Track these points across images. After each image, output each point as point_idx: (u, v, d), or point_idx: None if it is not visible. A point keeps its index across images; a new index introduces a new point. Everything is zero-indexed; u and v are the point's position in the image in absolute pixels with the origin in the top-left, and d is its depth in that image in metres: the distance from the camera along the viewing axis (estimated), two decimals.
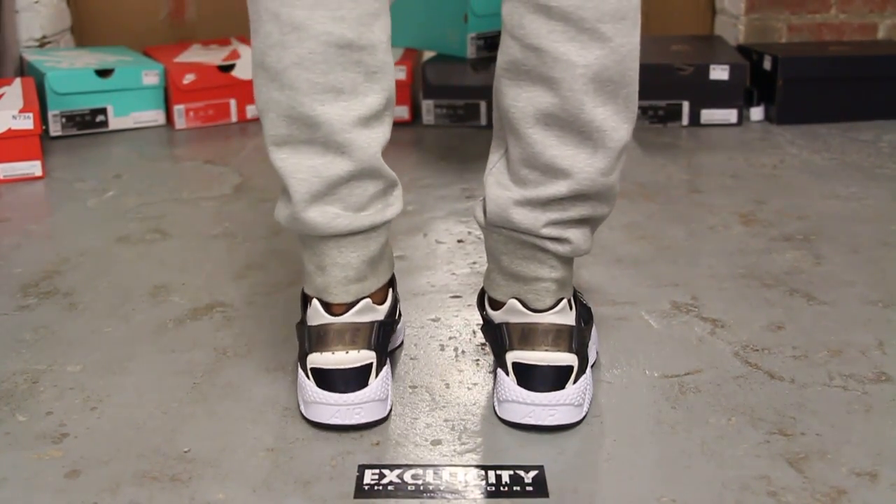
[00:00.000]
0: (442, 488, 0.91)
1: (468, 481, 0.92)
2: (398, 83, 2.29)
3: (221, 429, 1.01)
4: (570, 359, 1.00)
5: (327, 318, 1.01)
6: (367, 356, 1.00)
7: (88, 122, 2.22)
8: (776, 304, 1.29)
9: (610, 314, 1.27)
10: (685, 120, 2.25)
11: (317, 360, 1.00)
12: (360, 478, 0.92)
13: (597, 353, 1.15)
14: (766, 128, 2.23)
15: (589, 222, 1.02)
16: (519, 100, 0.96)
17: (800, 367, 1.13)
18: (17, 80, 2.10)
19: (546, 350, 1.00)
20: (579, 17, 0.92)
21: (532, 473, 0.93)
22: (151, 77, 2.27)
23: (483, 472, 0.93)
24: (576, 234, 1.01)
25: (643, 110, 2.25)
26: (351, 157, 0.96)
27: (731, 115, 2.24)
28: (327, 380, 0.99)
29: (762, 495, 0.89)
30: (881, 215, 1.64)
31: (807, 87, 2.24)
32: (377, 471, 0.93)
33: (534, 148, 0.96)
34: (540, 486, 0.91)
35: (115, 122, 2.25)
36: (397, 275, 1.38)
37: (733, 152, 2.03)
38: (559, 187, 0.97)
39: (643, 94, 2.19)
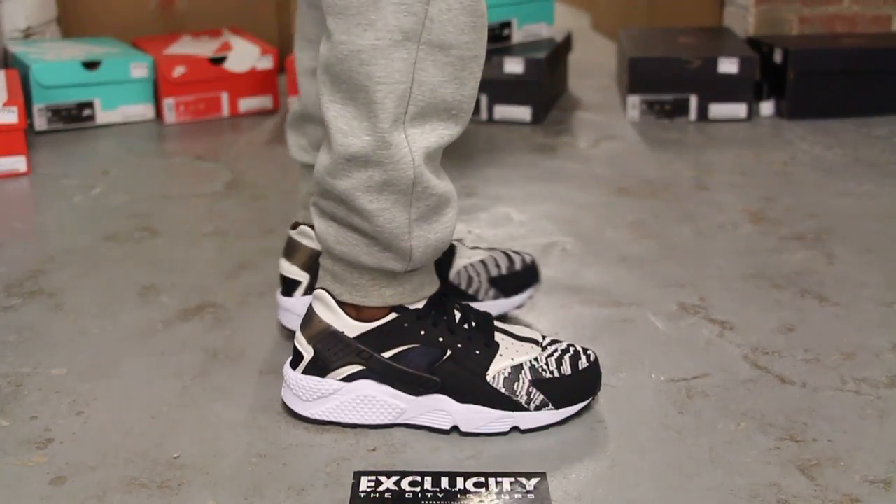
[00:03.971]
0: (440, 496, 0.90)
1: (467, 489, 0.91)
2: None
3: (212, 434, 1.00)
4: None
5: None
6: None
7: (75, 117, 2.20)
8: (787, 306, 1.28)
9: (615, 315, 1.26)
10: (693, 115, 2.24)
11: None
12: (356, 485, 0.92)
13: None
14: (776, 123, 2.22)
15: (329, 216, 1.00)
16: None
17: (811, 370, 1.12)
18: (2, 73, 2.09)
19: None
20: (326, 5, 0.90)
21: (534, 480, 0.92)
22: (140, 69, 2.25)
23: (483, 479, 0.92)
24: (322, 225, 0.99)
25: (650, 104, 2.23)
26: None
27: (740, 109, 2.23)
28: None
29: (772, 503, 0.88)
30: None
31: (819, 81, 2.22)
32: (373, 478, 0.93)
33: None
34: (542, 494, 0.90)
35: (102, 117, 2.23)
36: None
37: (742, 148, 2.02)
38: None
39: (650, 87, 2.21)
